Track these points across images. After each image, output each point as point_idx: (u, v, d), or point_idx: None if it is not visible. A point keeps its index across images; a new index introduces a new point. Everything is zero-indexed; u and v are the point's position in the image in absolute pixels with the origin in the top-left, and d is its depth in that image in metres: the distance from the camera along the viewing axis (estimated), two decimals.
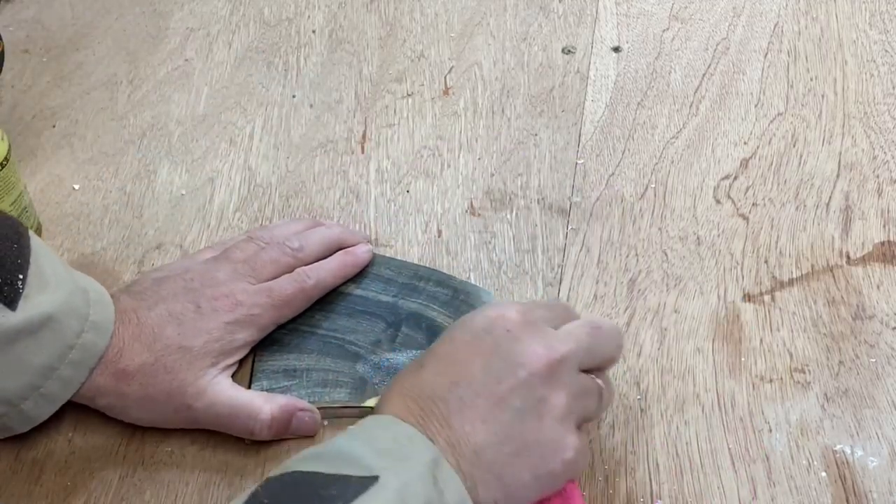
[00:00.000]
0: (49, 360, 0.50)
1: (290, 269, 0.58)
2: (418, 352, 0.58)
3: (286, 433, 0.54)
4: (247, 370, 0.57)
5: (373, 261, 0.62)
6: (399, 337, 0.59)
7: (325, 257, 0.60)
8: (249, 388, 0.56)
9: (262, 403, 0.53)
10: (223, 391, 0.53)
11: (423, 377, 0.48)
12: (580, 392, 0.48)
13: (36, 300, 0.49)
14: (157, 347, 0.53)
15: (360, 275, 0.62)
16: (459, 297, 0.61)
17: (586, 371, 0.49)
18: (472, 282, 0.63)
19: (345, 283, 0.61)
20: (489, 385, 0.46)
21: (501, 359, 0.47)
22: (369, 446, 0.43)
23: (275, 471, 0.42)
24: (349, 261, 0.61)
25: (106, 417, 0.55)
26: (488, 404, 0.46)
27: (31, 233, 0.52)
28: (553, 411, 0.47)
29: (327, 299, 0.60)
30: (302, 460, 0.43)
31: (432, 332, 0.59)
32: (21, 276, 0.49)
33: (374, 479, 0.41)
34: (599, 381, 0.50)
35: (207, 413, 0.53)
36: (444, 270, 0.63)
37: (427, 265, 0.64)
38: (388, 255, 0.64)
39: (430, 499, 0.41)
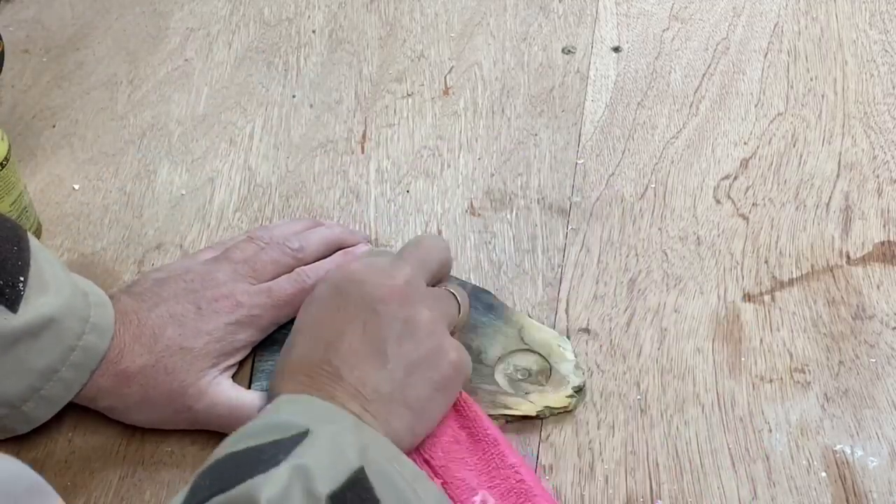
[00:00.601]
0: (50, 362, 0.50)
1: (290, 270, 0.58)
2: None
3: None
4: (246, 370, 0.57)
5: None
6: None
7: (325, 257, 0.60)
8: (249, 387, 0.56)
9: (262, 404, 0.53)
10: (223, 392, 0.53)
11: (299, 353, 0.50)
12: (435, 302, 0.53)
13: (37, 302, 0.49)
14: (157, 349, 0.53)
15: None
16: None
17: (432, 285, 0.55)
18: (473, 282, 0.63)
19: None
20: (357, 330, 0.50)
21: (356, 305, 0.51)
22: (292, 414, 0.44)
23: (206, 462, 0.42)
24: (349, 261, 0.61)
25: (106, 417, 0.55)
26: (365, 347, 0.49)
27: (30, 235, 0.52)
28: (421, 326, 0.51)
29: None
30: (230, 444, 0.43)
31: None
32: (22, 279, 0.49)
33: (305, 432, 0.42)
34: (449, 289, 0.56)
35: (208, 414, 0.53)
36: None
37: None
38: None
39: (362, 445, 0.42)
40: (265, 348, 0.58)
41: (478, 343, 0.58)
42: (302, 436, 0.41)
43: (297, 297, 0.57)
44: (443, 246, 0.57)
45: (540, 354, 0.58)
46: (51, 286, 0.51)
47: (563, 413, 0.56)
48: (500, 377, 0.57)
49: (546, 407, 0.55)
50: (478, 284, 0.62)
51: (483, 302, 0.61)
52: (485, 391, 0.56)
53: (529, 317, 0.60)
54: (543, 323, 0.60)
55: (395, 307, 0.51)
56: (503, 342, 0.58)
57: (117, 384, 0.52)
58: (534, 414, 0.55)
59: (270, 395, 0.51)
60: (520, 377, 0.57)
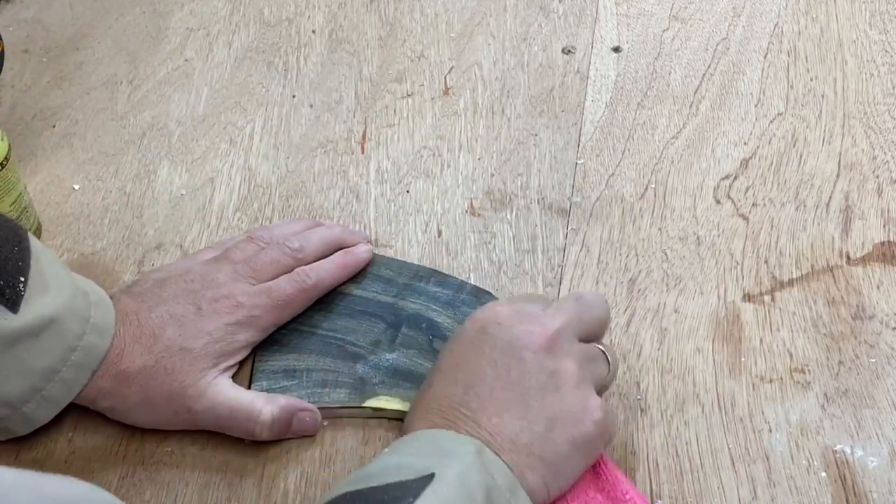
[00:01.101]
0: (51, 362, 0.50)
1: (290, 270, 0.58)
2: (417, 351, 0.58)
3: (286, 433, 0.54)
4: (246, 371, 0.57)
5: (373, 261, 0.62)
6: (399, 337, 0.59)
7: (325, 257, 0.60)
8: (249, 388, 0.56)
9: (262, 405, 0.53)
10: (223, 392, 0.53)
11: (436, 392, 0.49)
12: (586, 358, 0.50)
13: (37, 302, 0.49)
14: (157, 349, 0.53)
15: (360, 275, 0.62)
16: (460, 298, 0.61)
17: (585, 341, 0.52)
18: (473, 282, 0.63)
19: (345, 283, 0.61)
20: (500, 376, 0.48)
21: (502, 350, 0.48)
22: (412, 455, 0.44)
23: (324, 497, 0.42)
24: (349, 261, 0.61)
25: (106, 418, 0.55)
26: (506, 393, 0.47)
27: (31, 235, 0.52)
28: (567, 380, 0.48)
29: (327, 299, 0.60)
30: (349, 483, 0.42)
31: (432, 331, 0.59)
32: (22, 279, 0.49)
33: (431, 475, 0.41)
34: (601, 347, 0.52)
35: (207, 415, 0.53)
36: (445, 270, 0.63)
37: (427, 265, 0.64)
38: (388, 255, 0.64)
39: (487, 484, 0.42)
40: (265, 348, 0.58)
41: None
42: (427, 479, 0.41)
43: (296, 297, 0.57)
44: (603, 304, 0.53)
45: None
46: (52, 286, 0.51)
47: None
48: None
49: None
50: (478, 285, 0.62)
51: (483, 302, 0.60)
52: None
53: None
54: None
55: (543, 357, 0.48)
56: None
57: (117, 384, 0.52)
58: None
59: (403, 429, 0.50)
60: None
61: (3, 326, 0.48)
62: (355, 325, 0.59)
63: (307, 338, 0.58)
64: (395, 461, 0.43)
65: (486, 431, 0.46)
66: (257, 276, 0.57)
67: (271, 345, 0.58)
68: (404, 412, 0.54)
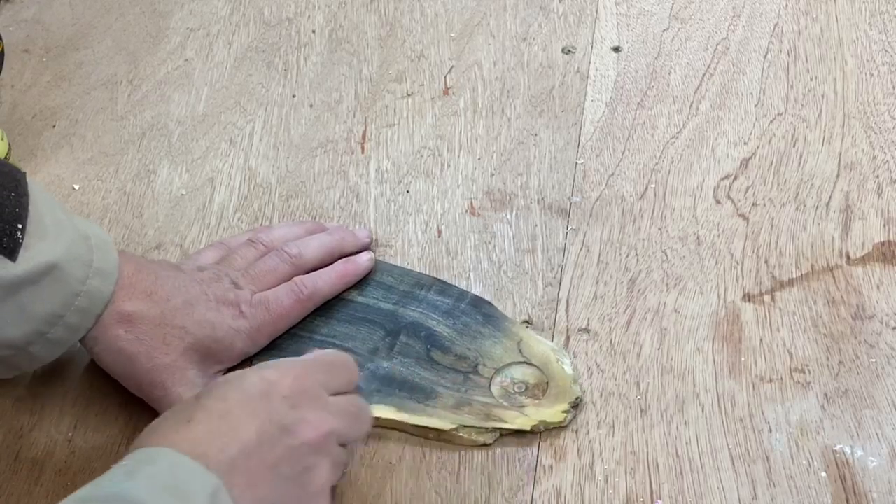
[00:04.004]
0: (54, 308, 0.49)
1: (289, 277, 0.58)
2: (414, 361, 0.58)
3: None
4: None
5: (375, 267, 0.62)
6: (397, 345, 0.58)
7: (326, 264, 0.60)
8: None
9: None
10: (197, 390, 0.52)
11: (195, 432, 0.44)
12: (338, 462, 0.49)
13: (36, 249, 0.49)
14: (163, 305, 0.52)
15: (361, 281, 0.61)
16: (460, 308, 0.60)
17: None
18: (473, 282, 0.63)
19: (346, 290, 0.61)
20: (262, 451, 0.45)
21: (275, 425, 0.46)
22: (148, 485, 0.41)
23: None
24: (349, 270, 0.60)
25: (106, 418, 0.55)
26: (259, 469, 0.45)
27: (29, 178, 0.51)
28: (315, 482, 0.47)
29: (328, 305, 0.60)
30: (73, 501, 0.40)
31: (431, 341, 0.59)
32: (20, 226, 0.48)
33: None
34: (345, 450, 0.50)
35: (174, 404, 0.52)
36: (445, 270, 0.63)
37: (427, 265, 0.64)
38: (388, 254, 0.64)
39: None
40: (262, 353, 0.57)
41: (475, 354, 0.58)
42: None
43: (293, 309, 0.57)
44: (371, 427, 0.52)
45: (538, 368, 0.57)
46: (50, 231, 0.50)
47: (557, 428, 0.55)
48: (496, 389, 0.57)
49: (541, 421, 0.55)
50: (476, 292, 0.62)
51: (483, 312, 0.60)
52: (479, 403, 0.55)
53: (529, 325, 0.60)
54: (544, 323, 0.60)
55: (306, 449, 0.47)
56: (501, 354, 0.58)
57: (116, 325, 0.52)
58: (528, 428, 0.55)
59: (147, 435, 0.46)
60: (516, 390, 0.57)
61: (1, 276, 0.47)
62: (354, 331, 0.59)
63: (305, 343, 0.58)
64: (126, 490, 0.40)
65: (229, 484, 0.44)
66: (256, 284, 0.57)
67: (269, 349, 0.57)
68: (398, 420, 0.55)
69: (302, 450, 0.46)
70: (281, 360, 0.50)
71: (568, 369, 0.57)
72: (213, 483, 0.42)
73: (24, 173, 0.51)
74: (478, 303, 0.61)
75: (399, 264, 0.64)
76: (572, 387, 0.56)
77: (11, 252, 0.48)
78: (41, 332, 0.50)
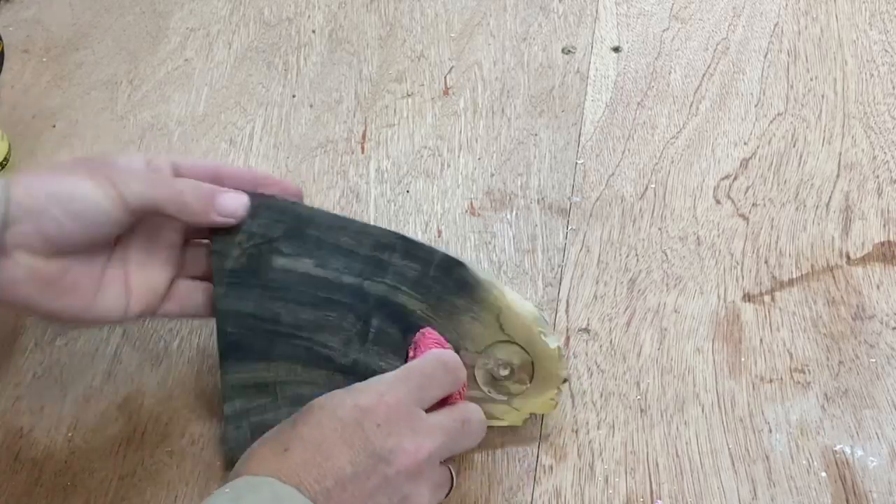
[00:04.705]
0: None
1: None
2: (391, 351, 0.54)
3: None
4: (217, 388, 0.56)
5: (328, 224, 0.54)
6: (371, 334, 0.54)
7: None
8: (224, 406, 0.53)
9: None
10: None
11: (290, 462, 0.45)
12: (438, 485, 0.48)
13: None
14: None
15: (315, 245, 0.54)
16: (429, 275, 0.54)
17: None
18: None
19: (300, 258, 0.54)
20: (358, 480, 0.45)
21: (370, 454, 0.46)
22: None
23: None
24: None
25: (105, 417, 0.55)
26: (354, 500, 0.45)
27: None
28: None
29: (286, 283, 0.54)
30: None
31: (404, 324, 0.54)
32: None
33: None
34: (451, 468, 0.50)
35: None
36: None
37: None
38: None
39: None
40: (228, 357, 0.53)
41: (454, 335, 0.54)
42: None
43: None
44: (480, 437, 0.51)
45: (521, 347, 0.54)
46: None
47: (557, 428, 0.55)
48: (480, 374, 0.54)
49: (532, 414, 0.54)
50: (449, 253, 0.56)
51: (455, 278, 0.54)
52: (468, 399, 0.53)
53: (503, 285, 0.55)
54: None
55: (403, 478, 0.46)
56: (481, 332, 0.54)
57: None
58: (520, 423, 0.54)
59: (244, 464, 0.46)
60: (502, 373, 0.54)
61: None
62: (322, 318, 0.53)
63: (272, 339, 0.53)
64: None
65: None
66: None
67: (234, 351, 0.53)
68: None
69: (399, 478, 0.46)
70: (373, 380, 0.49)
71: (552, 342, 0.54)
72: None
73: None
74: (448, 265, 0.54)
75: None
76: (558, 366, 0.54)
77: None
78: None
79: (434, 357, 0.51)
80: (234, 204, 0.52)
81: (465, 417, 0.50)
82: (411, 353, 0.53)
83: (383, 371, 0.52)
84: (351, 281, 0.54)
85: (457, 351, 0.53)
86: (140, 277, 0.52)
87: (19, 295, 0.49)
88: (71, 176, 0.49)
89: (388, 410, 0.47)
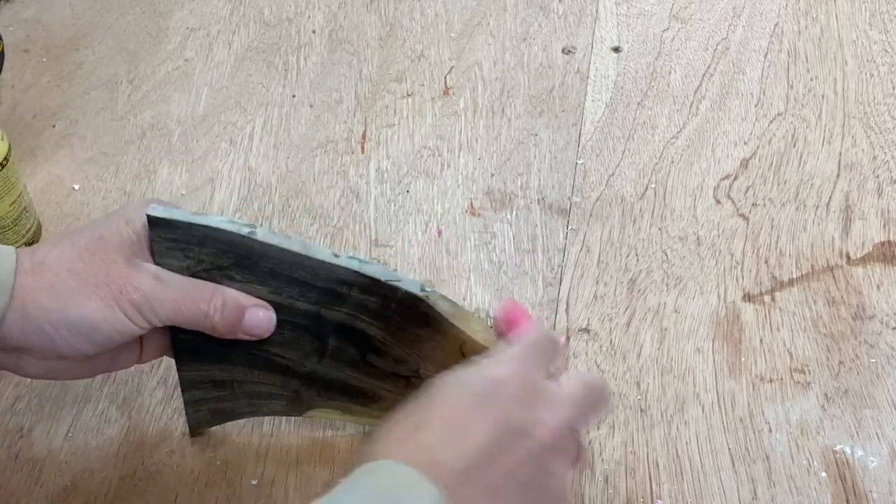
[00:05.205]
0: None
1: None
2: (350, 365, 0.52)
3: (238, 329, 0.49)
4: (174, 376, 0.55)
5: (274, 256, 0.49)
6: (328, 350, 0.51)
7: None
8: (182, 395, 0.53)
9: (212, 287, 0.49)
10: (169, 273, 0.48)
11: (426, 441, 0.43)
12: (577, 458, 0.47)
13: None
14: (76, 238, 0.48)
15: (269, 275, 0.49)
16: (391, 307, 0.49)
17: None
18: (472, 282, 0.62)
19: (251, 285, 0.49)
20: (495, 457, 0.43)
21: (506, 429, 0.43)
22: (362, 498, 0.40)
23: None
24: None
25: (106, 417, 0.55)
26: (496, 476, 0.43)
27: None
28: (555, 484, 0.45)
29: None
30: None
31: (364, 345, 0.51)
32: None
33: None
34: (582, 438, 0.48)
35: (158, 296, 0.48)
36: (445, 270, 0.63)
37: (428, 265, 0.62)
38: (388, 255, 0.62)
39: None
40: (182, 354, 0.51)
41: (414, 358, 0.51)
42: None
43: None
44: (609, 400, 0.49)
45: None
46: None
47: None
48: None
49: None
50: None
51: (419, 312, 0.50)
52: None
53: (470, 314, 0.50)
54: (545, 323, 0.60)
55: (542, 453, 0.44)
56: (443, 358, 0.50)
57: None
58: None
59: (369, 450, 0.44)
60: None
61: None
62: (276, 335, 0.50)
63: (227, 347, 0.50)
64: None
65: (454, 496, 0.42)
66: None
67: (190, 352, 0.51)
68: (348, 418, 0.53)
69: (540, 452, 0.44)
70: (491, 356, 0.47)
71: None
72: (431, 494, 0.40)
73: None
74: (411, 301, 0.49)
75: (395, 267, 0.61)
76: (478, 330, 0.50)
77: None
78: None
79: (540, 331, 0.49)
80: (262, 327, 0.50)
81: (588, 384, 0.48)
82: (503, 328, 0.50)
83: (343, 380, 0.51)
84: (307, 308, 0.50)
85: (416, 371, 0.52)
86: (151, 335, 0.51)
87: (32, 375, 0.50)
88: (86, 302, 0.47)
89: (523, 382, 0.45)
